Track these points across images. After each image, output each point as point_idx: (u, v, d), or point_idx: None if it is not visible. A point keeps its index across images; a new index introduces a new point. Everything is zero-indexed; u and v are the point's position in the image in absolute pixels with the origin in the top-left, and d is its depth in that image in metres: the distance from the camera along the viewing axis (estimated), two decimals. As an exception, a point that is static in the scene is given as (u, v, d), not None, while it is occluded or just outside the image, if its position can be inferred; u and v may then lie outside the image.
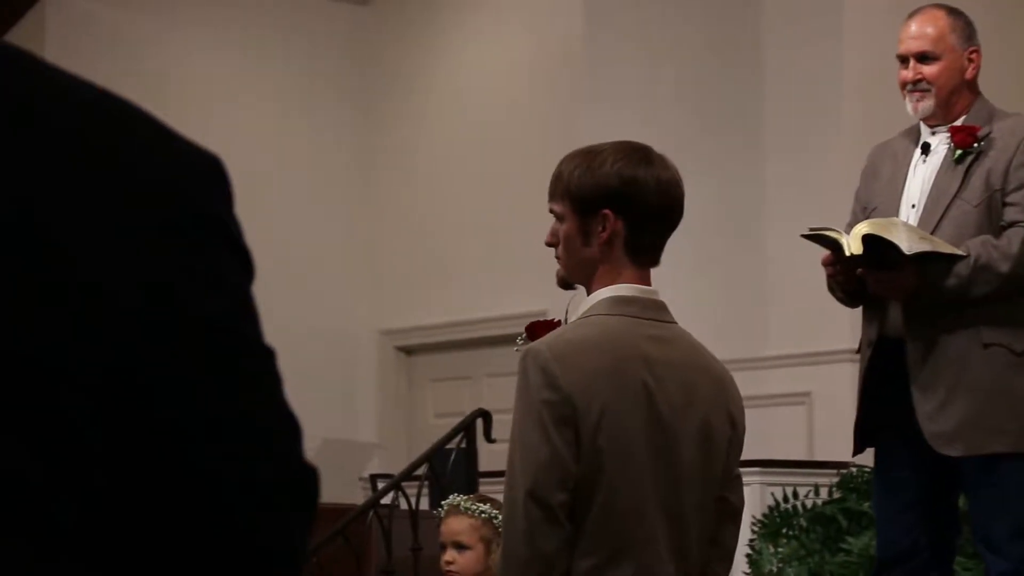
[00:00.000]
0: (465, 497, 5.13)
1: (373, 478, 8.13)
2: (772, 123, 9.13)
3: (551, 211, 3.38)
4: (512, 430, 3.25)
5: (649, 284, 3.36)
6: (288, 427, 1.21)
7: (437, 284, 10.17)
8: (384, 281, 10.59)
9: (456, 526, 5.02)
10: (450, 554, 5.01)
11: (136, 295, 1.09)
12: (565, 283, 3.44)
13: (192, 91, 10.14)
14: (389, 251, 10.58)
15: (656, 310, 3.35)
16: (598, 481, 3.17)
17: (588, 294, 3.36)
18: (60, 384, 1.06)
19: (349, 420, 10.41)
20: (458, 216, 10.12)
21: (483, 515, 4.97)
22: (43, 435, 1.05)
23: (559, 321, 3.65)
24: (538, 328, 3.69)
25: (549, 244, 3.40)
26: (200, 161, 1.17)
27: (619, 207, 3.29)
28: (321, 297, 10.42)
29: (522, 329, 3.67)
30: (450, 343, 10.22)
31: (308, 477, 1.23)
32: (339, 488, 8.71)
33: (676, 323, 3.40)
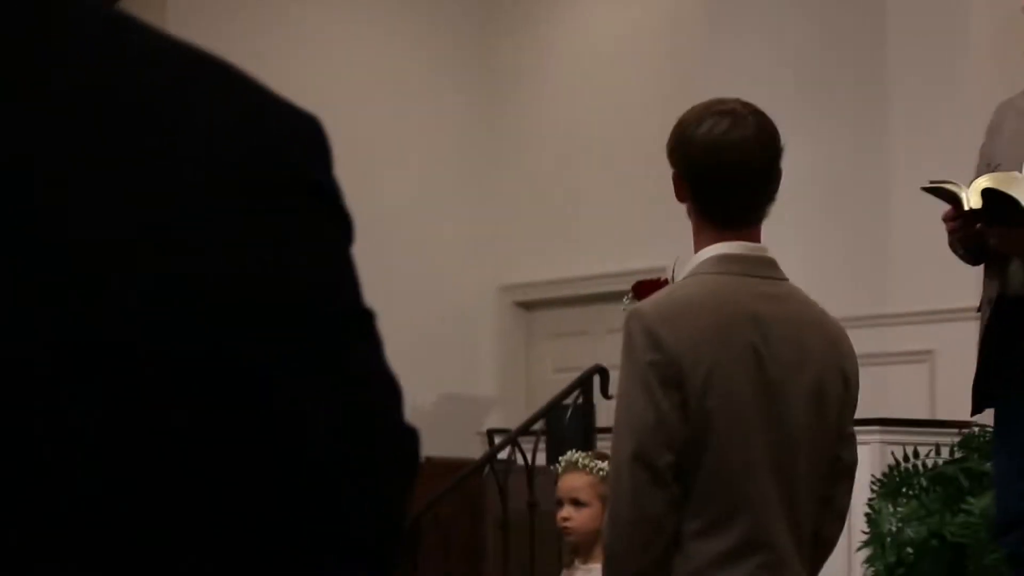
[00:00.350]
0: (584, 454, 5.12)
1: (490, 433, 8.15)
2: (897, 78, 9.01)
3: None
4: (618, 392, 3.23)
5: (758, 240, 3.31)
6: (389, 392, 1.20)
7: (556, 240, 10.17)
8: (503, 237, 10.59)
9: (574, 482, 5.01)
10: (567, 510, 5.00)
11: (230, 270, 1.08)
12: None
13: (306, 55, 10.18)
14: (509, 207, 10.59)
15: (765, 267, 3.29)
16: (706, 442, 3.14)
17: (695, 252, 3.32)
18: (152, 367, 1.06)
19: (469, 375, 10.44)
20: (578, 172, 10.10)
21: (601, 472, 4.94)
22: (149, 421, 1.05)
23: (666, 280, 3.63)
24: (645, 287, 3.68)
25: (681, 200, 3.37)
26: (297, 124, 1.16)
27: (682, 168, 3.28)
28: (441, 253, 10.45)
29: (637, 287, 3.64)
30: (569, 299, 10.21)
31: (409, 441, 1.22)
32: (458, 443, 8.76)
33: (787, 280, 3.34)
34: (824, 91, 9.08)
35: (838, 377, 3.30)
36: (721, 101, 3.32)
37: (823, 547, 3.37)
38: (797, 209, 9.06)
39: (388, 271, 9.95)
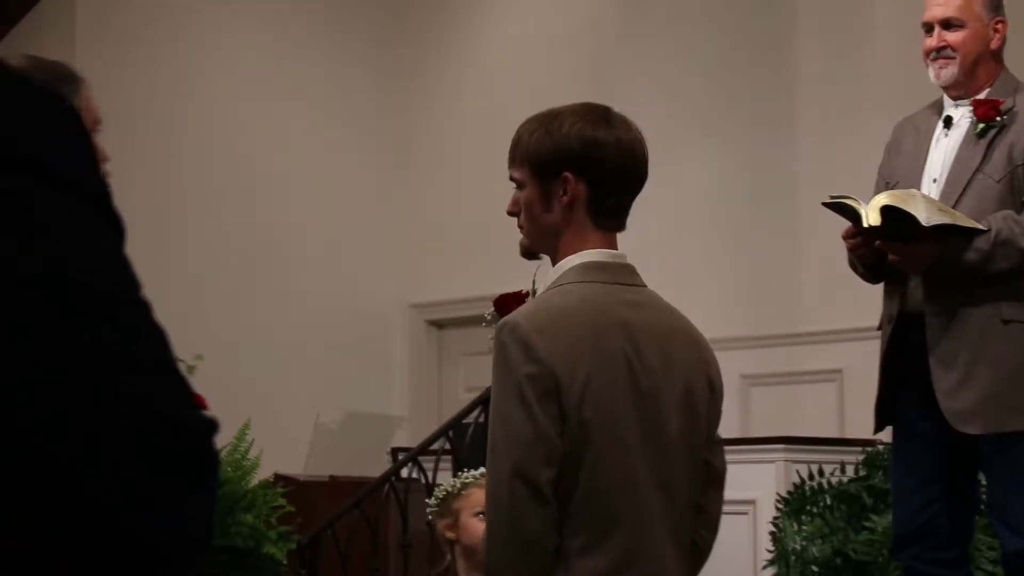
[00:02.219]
0: (482, 471, 5.06)
1: (395, 451, 8.09)
2: (803, 96, 9.04)
3: (511, 178, 3.32)
4: (492, 406, 3.16)
5: (616, 247, 3.27)
6: (155, 382, 1.11)
7: (469, 258, 10.12)
8: (415, 255, 10.54)
9: (483, 497, 4.94)
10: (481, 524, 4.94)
11: None
12: (529, 252, 3.34)
13: (223, 69, 10.11)
14: (420, 225, 10.54)
15: (627, 274, 3.26)
16: (584, 455, 3.09)
17: (554, 263, 3.26)
18: None
19: (380, 393, 10.37)
20: (487, 190, 10.04)
21: None
22: None
23: (527, 293, 3.58)
24: (506, 300, 3.63)
25: (511, 213, 3.32)
26: (27, 100, 1.10)
27: (579, 169, 3.21)
28: (352, 271, 10.39)
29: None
30: (480, 317, 10.14)
31: (189, 433, 1.11)
32: (366, 462, 8.67)
33: (646, 286, 3.30)
34: (730, 109, 9.08)
35: (705, 384, 3.27)
36: (585, 104, 3.32)
37: (698, 556, 3.33)
38: (705, 227, 9.07)
39: (298, 286, 9.88)
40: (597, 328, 3.14)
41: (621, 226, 3.29)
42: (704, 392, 3.26)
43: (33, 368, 1.05)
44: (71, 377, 1.06)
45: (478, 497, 4.96)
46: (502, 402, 3.10)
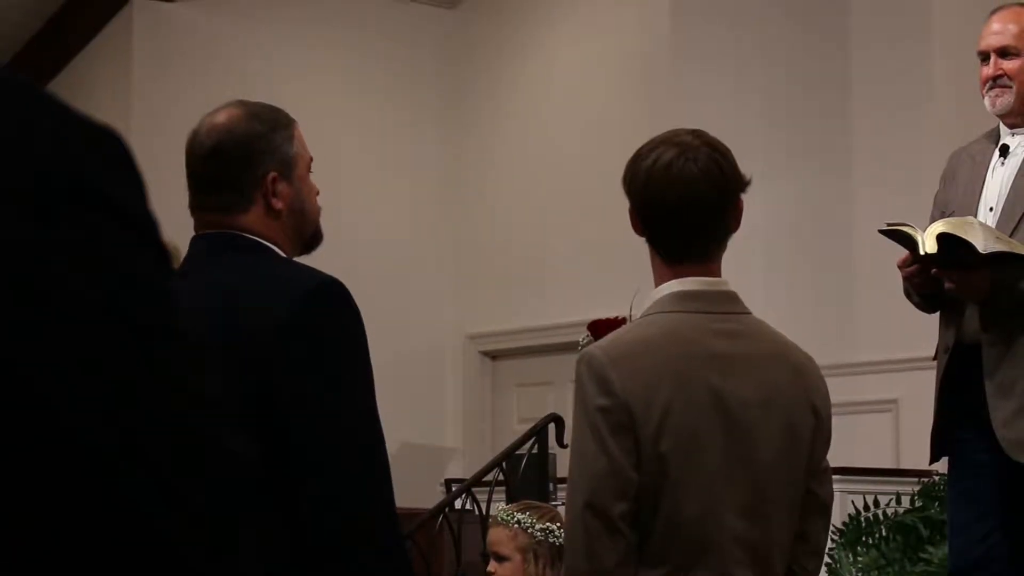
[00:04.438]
0: (506, 507, 5.07)
1: (448, 483, 8.09)
2: (861, 125, 9.02)
3: None
4: (571, 439, 3.13)
5: (717, 274, 3.19)
6: (210, 414, 1.12)
7: (523, 289, 10.13)
8: (470, 286, 10.56)
9: (494, 536, 4.95)
10: (492, 564, 4.95)
11: None
12: None
13: (280, 95, 10.16)
14: (476, 255, 10.55)
15: (724, 302, 3.18)
16: (663, 487, 3.04)
17: (655, 287, 3.21)
18: None
19: (433, 425, 10.38)
20: (544, 220, 10.07)
21: (519, 525, 4.87)
22: None
23: (623, 319, 3.55)
24: (601, 326, 3.61)
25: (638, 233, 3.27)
26: (81, 132, 1.11)
27: (633, 201, 3.20)
28: (408, 301, 10.41)
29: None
30: (535, 348, 10.16)
31: (225, 461, 1.13)
32: (420, 493, 8.68)
33: (750, 313, 3.23)
34: (788, 137, 9.08)
35: (808, 411, 3.18)
36: (677, 132, 3.23)
37: None
38: (763, 259, 9.05)
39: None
40: (680, 358, 3.09)
41: (705, 257, 3.19)
42: (807, 420, 3.18)
43: (101, 400, 1.06)
44: (139, 410, 1.07)
45: (493, 535, 4.97)
46: (578, 435, 3.08)
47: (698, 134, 3.22)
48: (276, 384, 2.81)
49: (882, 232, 5.02)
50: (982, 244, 4.78)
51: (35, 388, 1.04)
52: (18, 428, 1.03)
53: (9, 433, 1.03)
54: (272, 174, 3.08)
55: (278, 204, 3.08)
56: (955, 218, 5.00)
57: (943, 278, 4.92)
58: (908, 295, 5.16)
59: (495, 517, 4.98)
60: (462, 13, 10.86)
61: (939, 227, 4.89)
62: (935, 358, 5.22)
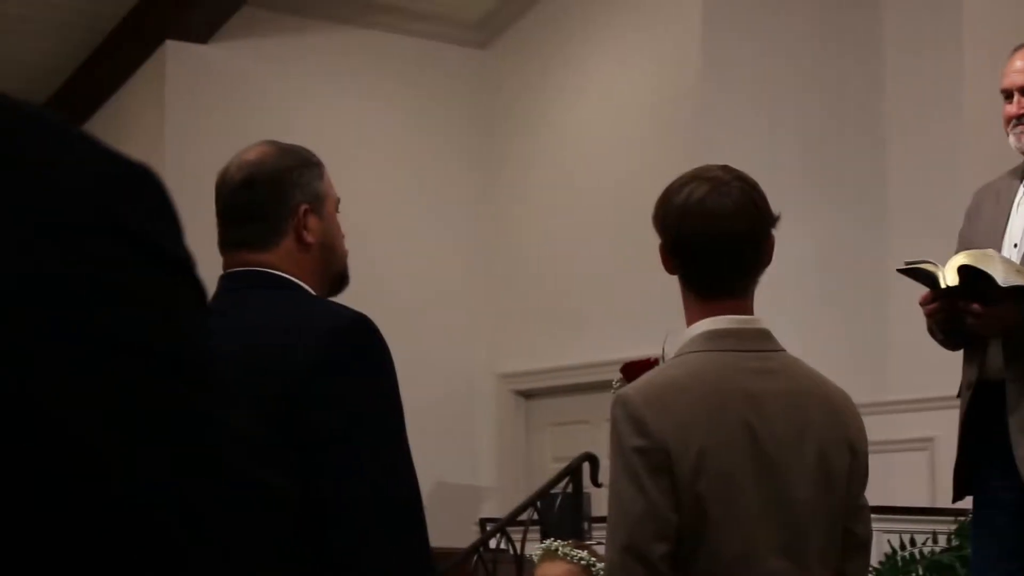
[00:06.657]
0: (563, 542, 5.05)
1: (483, 522, 8.07)
2: (894, 163, 9.01)
3: None
4: (609, 481, 3.11)
5: (750, 311, 3.17)
6: (243, 450, 1.12)
7: (555, 328, 10.12)
8: (503, 325, 10.56)
9: (552, 571, 4.92)
10: None
11: (16, 311, 1.03)
12: None
13: (314, 135, 10.19)
14: (508, 294, 10.56)
15: (758, 339, 3.16)
16: (702, 528, 3.01)
17: (687, 326, 3.19)
18: None
19: (467, 463, 10.36)
20: (576, 259, 10.07)
21: (580, 561, 4.86)
22: None
23: (656, 360, 3.52)
24: (634, 368, 3.57)
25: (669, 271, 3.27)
26: (116, 170, 1.11)
27: (664, 237, 3.18)
28: (441, 340, 10.41)
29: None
30: (568, 387, 10.15)
31: (253, 490, 1.12)
32: (454, 532, 8.66)
33: (783, 351, 3.21)
34: (821, 174, 9.06)
35: (844, 448, 3.16)
36: (707, 168, 3.22)
37: None
38: (796, 293, 9.02)
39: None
40: (714, 398, 3.07)
41: (734, 293, 3.17)
42: (843, 458, 3.16)
43: (127, 434, 1.05)
44: (170, 445, 1.07)
45: (547, 570, 4.93)
46: (615, 478, 3.06)
47: (727, 169, 3.21)
48: (304, 422, 2.79)
49: (901, 271, 5.00)
50: (1002, 277, 4.75)
51: (68, 429, 1.03)
52: (51, 467, 1.03)
53: (42, 473, 1.03)
54: (304, 206, 3.07)
55: (309, 238, 3.07)
56: (976, 250, 4.97)
57: (964, 311, 4.88)
58: (932, 333, 5.13)
59: (552, 551, 4.93)
60: (493, 52, 10.89)
61: (960, 259, 4.87)
62: (959, 395, 5.19)
